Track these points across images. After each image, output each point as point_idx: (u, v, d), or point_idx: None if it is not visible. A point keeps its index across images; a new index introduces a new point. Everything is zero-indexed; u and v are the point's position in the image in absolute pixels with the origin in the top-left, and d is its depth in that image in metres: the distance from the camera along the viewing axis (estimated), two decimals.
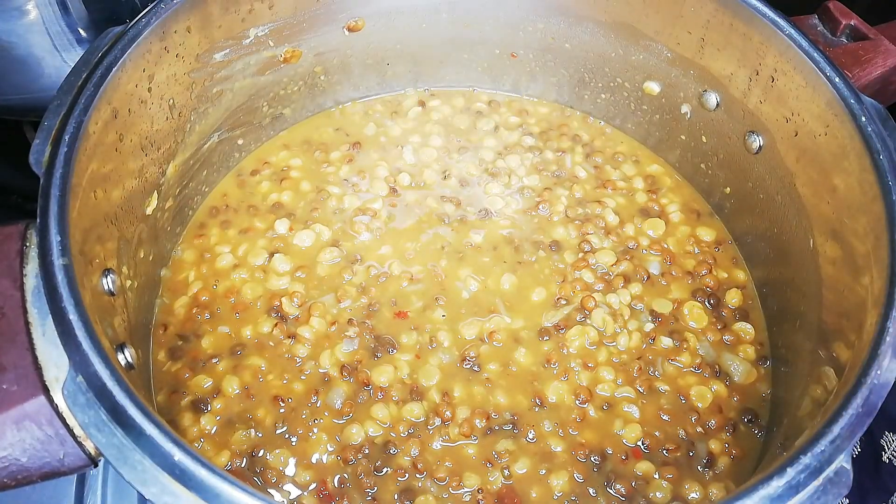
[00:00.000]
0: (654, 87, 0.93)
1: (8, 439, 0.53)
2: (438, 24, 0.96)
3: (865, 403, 0.55)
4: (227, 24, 0.80)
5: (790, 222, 0.80)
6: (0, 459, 0.53)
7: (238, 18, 0.80)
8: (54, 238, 0.56)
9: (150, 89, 0.73)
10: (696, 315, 0.83)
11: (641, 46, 0.90)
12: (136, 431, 0.50)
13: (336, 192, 0.92)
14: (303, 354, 0.79)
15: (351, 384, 0.77)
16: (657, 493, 0.72)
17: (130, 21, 0.70)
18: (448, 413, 0.75)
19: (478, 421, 0.75)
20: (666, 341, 0.81)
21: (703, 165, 0.93)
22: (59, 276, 0.55)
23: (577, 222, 0.90)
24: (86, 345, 0.53)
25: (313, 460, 0.73)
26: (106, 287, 0.65)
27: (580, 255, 0.87)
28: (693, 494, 0.72)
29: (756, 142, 0.83)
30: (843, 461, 0.53)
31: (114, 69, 0.66)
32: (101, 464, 0.55)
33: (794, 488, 0.52)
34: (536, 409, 0.77)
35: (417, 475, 0.72)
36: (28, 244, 0.59)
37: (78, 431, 0.53)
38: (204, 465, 0.49)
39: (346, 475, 0.72)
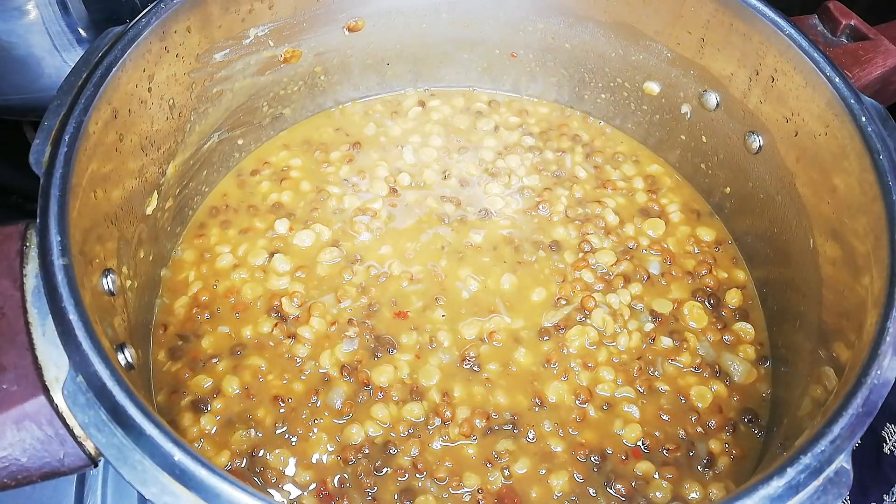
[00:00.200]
0: (654, 87, 0.93)
1: (8, 439, 0.53)
2: (438, 24, 0.96)
3: (865, 403, 0.55)
4: (227, 24, 0.80)
5: (790, 222, 0.80)
6: (0, 459, 0.53)
7: (238, 18, 0.80)
8: (54, 238, 0.56)
9: (150, 89, 0.73)
10: (696, 315, 0.83)
11: (641, 46, 0.90)
12: (136, 431, 0.50)
13: (336, 192, 0.92)
14: (303, 354, 0.79)
15: (351, 384, 0.77)
16: (657, 493, 0.72)
17: (130, 21, 0.70)
18: (448, 413, 0.75)
19: (478, 421, 0.75)
20: (666, 341, 0.81)
21: (703, 165, 0.93)
22: (59, 276, 0.55)
23: (577, 222, 0.90)
24: (86, 345, 0.53)
25: (313, 460, 0.73)
26: (106, 287, 0.65)
27: (580, 255, 0.87)
28: (693, 494, 0.72)
29: (756, 142, 0.83)
30: (843, 461, 0.53)
31: (114, 69, 0.66)
32: (101, 464, 0.55)
33: (794, 488, 0.52)
34: (536, 409, 0.77)
35: (417, 475, 0.72)
36: (28, 244, 0.59)
37: (78, 431, 0.53)
38: (204, 465, 0.49)
39: (346, 475, 0.72)
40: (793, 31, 0.74)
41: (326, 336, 0.80)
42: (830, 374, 0.66)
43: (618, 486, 0.72)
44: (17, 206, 1.05)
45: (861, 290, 0.65)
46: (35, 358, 0.54)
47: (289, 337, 0.80)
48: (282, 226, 0.88)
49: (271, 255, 0.86)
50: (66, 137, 0.61)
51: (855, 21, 0.86)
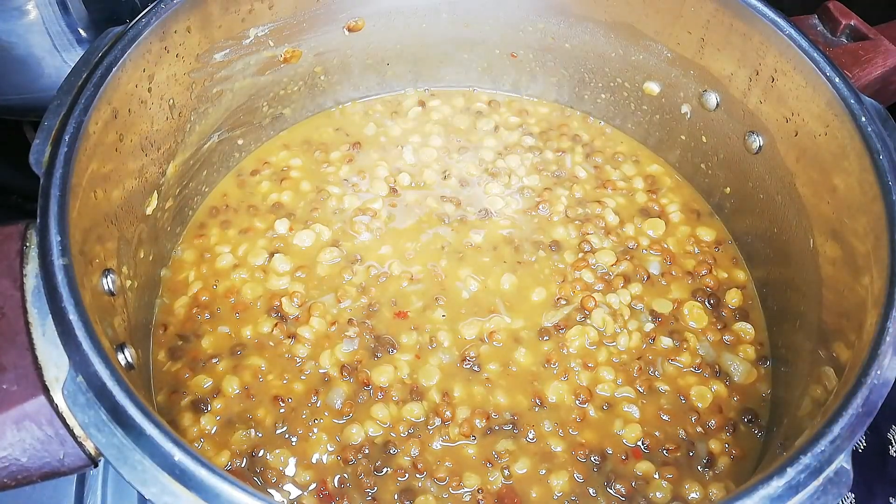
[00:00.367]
0: (654, 88, 0.93)
1: (8, 439, 0.53)
2: (438, 24, 0.96)
3: (865, 403, 0.55)
4: (227, 24, 0.80)
5: (790, 222, 0.80)
6: (0, 459, 0.53)
7: (238, 18, 0.80)
8: (54, 238, 0.56)
9: (150, 89, 0.73)
10: (696, 315, 0.83)
11: (641, 46, 0.90)
12: (136, 431, 0.50)
13: (336, 192, 0.92)
14: (303, 354, 0.79)
15: (351, 384, 0.77)
16: (657, 493, 0.72)
17: (130, 21, 0.70)
18: (448, 413, 0.75)
19: (478, 421, 0.75)
20: (666, 341, 0.81)
21: (703, 165, 0.93)
22: (59, 276, 0.55)
23: (577, 222, 0.90)
24: (86, 345, 0.53)
25: (313, 460, 0.73)
26: (106, 287, 0.65)
27: (580, 255, 0.87)
28: (693, 494, 0.72)
29: (756, 142, 0.83)
30: (843, 461, 0.53)
31: (114, 69, 0.66)
32: (101, 464, 0.55)
33: (794, 488, 0.52)
34: (536, 409, 0.77)
35: (417, 475, 0.72)
36: (28, 244, 0.59)
37: (78, 431, 0.53)
38: (204, 465, 0.49)
39: (346, 475, 0.72)
40: (793, 31, 0.74)
41: (326, 336, 0.80)
42: (830, 374, 0.66)
43: (618, 486, 0.72)
44: (17, 206, 1.05)
45: (861, 290, 0.65)
46: (35, 358, 0.54)
47: (289, 337, 0.80)
48: (282, 226, 0.88)
49: (271, 255, 0.86)
50: (66, 137, 0.61)
51: (855, 21, 0.86)
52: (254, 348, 0.79)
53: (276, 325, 0.80)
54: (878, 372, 0.56)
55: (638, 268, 0.87)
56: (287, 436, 0.74)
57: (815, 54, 0.73)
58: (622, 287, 0.85)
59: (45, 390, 0.53)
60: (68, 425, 0.53)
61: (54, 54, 0.89)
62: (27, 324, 0.55)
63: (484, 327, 0.82)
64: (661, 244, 0.89)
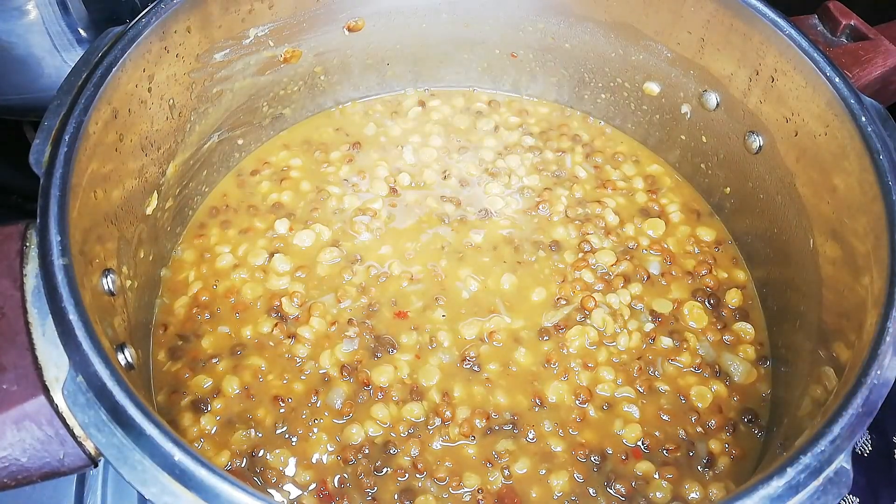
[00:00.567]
0: (654, 88, 0.93)
1: (8, 439, 0.53)
2: (438, 24, 0.96)
3: (865, 403, 0.55)
4: (227, 24, 0.80)
5: (790, 222, 0.80)
6: (0, 459, 0.53)
7: (238, 18, 0.80)
8: (54, 238, 0.56)
9: (150, 89, 0.73)
10: (696, 315, 0.83)
11: (641, 46, 0.90)
12: (136, 431, 0.50)
13: (336, 192, 0.92)
14: (303, 354, 0.79)
15: (351, 384, 0.77)
16: (657, 493, 0.72)
17: (130, 21, 0.70)
18: (448, 413, 0.75)
19: (478, 421, 0.75)
20: (666, 341, 0.81)
21: (703, 165, 0.93)
22: (59, 276, 0.55)
23: (577, 222, 0.90)
24: (86, 345, 0.53)
25: (313, 460, 0.73)
26: (106, 287, 0.65)
27: (580, 255, 0.87)
28: (693, 494, 0.72)
29: (756, 142, 0.83)
30: (843, 461, 0.53)
31: (114, 69, 0.66)
32: (101, 464, 0.55)
33: (794, 488, 0.52)
34: (536, 409, 0.77)
35: (417, 475, 0.72)
36: (28, 244, 0.59)
37: (78, 431, 0.53)
38: (204, 465, 0.49)
39: (346, 475, 0.72)
40: (793, 31, 0.74)
41: (326, 336, 0.80)
42: (830, 374, 0.66)
43: (618, 486, 0.72)
44: (17, 206, 1.05)
45: (861, 290, 0.65)
46: (35, 358, 0.54)
47: (289, 337, 0.80)
48: (282, 226, 0.88)
49: (271, 255, 0.86)
50: (66, 137, 0.61)
51: (855, 21, 0.86)
52: (254, 348, 0.79)
53: (276, 325, 0.80)
54: (878, 372, 0.56)
55: (638, 268, 0.87)
56: (287, 436, 0.74)
57: (815, 54, 0.73)
58: (622, 287, 0.85)
59: (45, 390, 0.53)
60: (68, 425, 0.53)
61: (54, 54, 0.89)
62: (27, 324, 0.55)
63: (484, 327, 0.82)
64: (661, 244, 0.89)
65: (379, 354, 0.79)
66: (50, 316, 0.55)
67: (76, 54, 0.89)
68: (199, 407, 0.75)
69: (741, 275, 0.88)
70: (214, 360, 0.78)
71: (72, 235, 0.57)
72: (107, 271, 0.66)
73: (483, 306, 0.83)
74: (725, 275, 0.88)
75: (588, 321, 0.82)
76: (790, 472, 0.52)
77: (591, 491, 0.72)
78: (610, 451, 0.74)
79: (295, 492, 0.71)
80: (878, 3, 0.99)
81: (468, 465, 0.73)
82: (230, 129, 0.90)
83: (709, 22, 0.82)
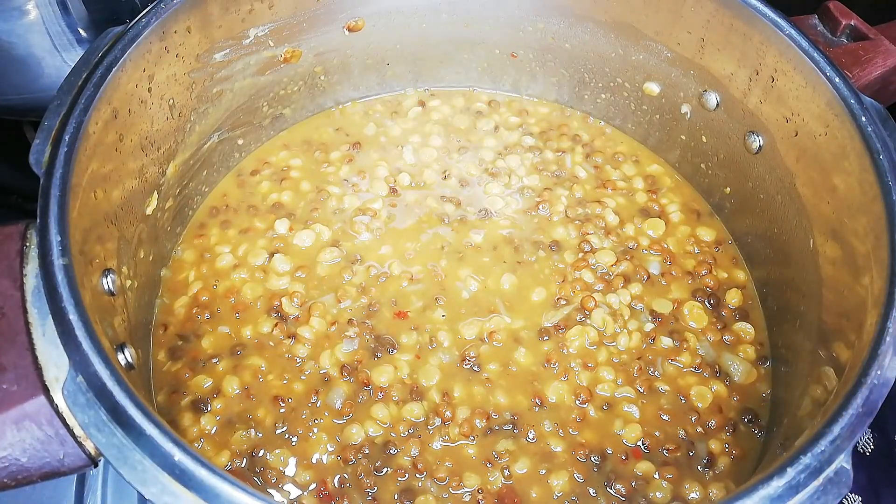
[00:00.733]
0: (654, 88, 0.93)
1: (8, 439, 0.53)
2: (438, 24, 0.96)
3: (865, 403, 0.55)
4: (227, 24, 0.80)
5: (790, 222, 0.80)
6: (0, 459, 0.53)
7: (238, 18, 0.80)
8: (54, 238, 0.56)
9: (150, 89, 0.73)
10: (696, 315, 0.83)
11: (641, 46, 0.90)
12: (136, 431, 0.50)
13: (336, 192, 0.92)
14: (303, 354, 0.79)
15: (351, 384, 0.77)
16: (657, 493, 0.72)
17: (130, 21, 0.70)
18: (448, 413, 0.75)
19: (478, 421, 0.75)
20: (666, 341, 0.81)
21: (703, 165, 0.93)
22: (59, 276, 0.55)
23: (577, 222, 0.90)
24: (86, 345, 0.53)
25: (313, 460, 0.73)
26: (106, 287, 0.65)
27: (580, 255, 0.87)
28: (693, 494, 0.72)
29: (756, 142, 0.83)
30: (843, 461, 0.53)
31: (114, 69, 0.66)
32: (101, 464, 0.55)
33: (794, 488, 0.52)
34: (536, 409, 0.77)
35: (417, 475, 0.72)
36: (28, 244, 0.59)
37: (78, 431, 0.53)
38: (204, 465, 0.49)
39: (346, 475, 0.72)
40: (793, 31, 0.74)
41: (326, 336, 0.80)
42: (830, 374, 0.66)
43: (618, 486, 0.72)
44: (17, 206, 1.05)
45: (861, 290, 0.65)
46: (35, 358, 0.54)
47: (289, 337, 0.80)
48: (282, 226, 0.88)
49: (271, 255, 0.86)
50: (66, 137, 0.61)
51: (855, 21, 0.86)
52: (254, 348, 0.79)
53: (276, 325, 0.80)
54: (878, 372, 0.56)
55: (638, 268, 0.87)
56: (287, 436, 0.74)
57: (815, 54, 0.73)
58: (622, 287, 0.85)
59: (45, 390, 0.53)
60: (68, 425, 0.53)
61: (54, 54, 0.89)
62: (27, 324, 0.55)
63: (484, 327, 0.82)
64: (661, 244, 0.89)
65: (379, 354, 0.79)
66: (50, 316, 0.55)
67: (76, 54, 0.89)
68: (199, 407, 0.75)
69: (741, 275, 0.88)
70: (214, 360, 0.78)
71: (72, 235, 0.57)
72: (107, 271, 0.66)
73: (483, 306, 0.83)
74: (725, 275, 0.88)
75: (588, 321, 0.82)
76: (790, 472, 0.52)
77: (591, 491, 0.72)
78: (610, 451, 0.74)
79: (295, 492, 0.71)
80: (878, 3, 0.99)
81: (468, 465, 0.73)
82: (230, 129, 0.90)
83: (709, 22, 0.82)
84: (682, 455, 0.74)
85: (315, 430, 0.74)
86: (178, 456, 0.50)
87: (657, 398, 0.78)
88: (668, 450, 0.74)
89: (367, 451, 0.73)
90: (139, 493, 0.51)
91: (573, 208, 0.92)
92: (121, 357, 0.64)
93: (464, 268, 0.86)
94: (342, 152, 0.96)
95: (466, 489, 0.71)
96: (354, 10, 0.91)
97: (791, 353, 0.78)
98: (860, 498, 0.77)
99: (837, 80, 0.70)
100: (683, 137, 0.94)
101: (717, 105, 0.87)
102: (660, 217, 0.92)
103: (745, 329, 0.83)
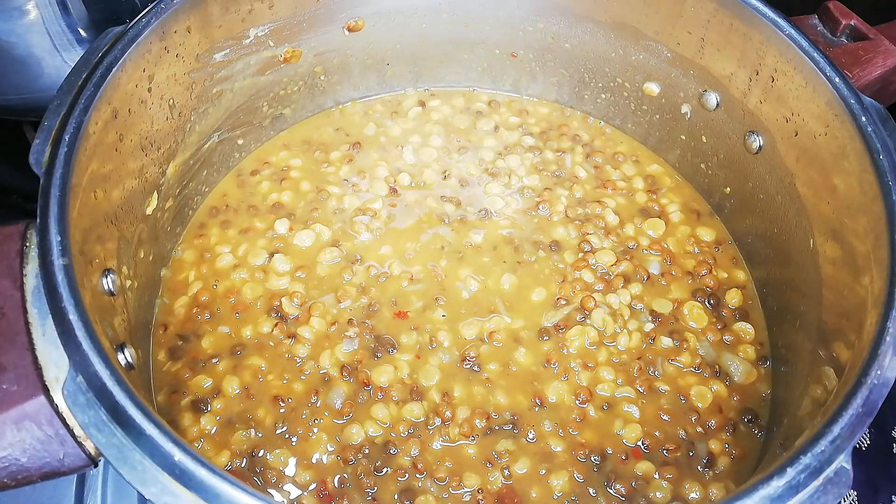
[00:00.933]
0: (654, 88, 0.93)
1: (8, 439, 0.53)
2: (438, 24, 0.96)
3: (865, 403, 0.55)
4: (227, 24, 0.80)
5: (790, 222, 0.80)
6: (0, 459, 0.53)
7: (238, 18, 0.80)
8: (54, 238, 0.56)
9: (150, 89, 0.73)
10: (696, 315, 0.83)
11: (641, 46, 0.90)
12: (136, 431, 0.50)
13: (336, 192, 0.92)
14: (303, 354, 0.79)
15: (351, 384, 0.77)
16: (657, 493, 0.72)
17: (130, 21, 0.70)
18: (448, 413, 0.75)
19: (478, 421, 0.75)
20: (666, 341, 0.81)
21: (703, 165, 0.93)
22: (59, 276, 0.55)
23: (577, 222, 0.90)
24: (86, 345, 0.53)
25: (313, 460, 0.73)
26: (106, 287, 0.65)
27: (580, 255, 0.87)
28: (693, 494, 0.72)
29: (756, 142, 0.83)
30: (843, 461, 0.53)
31: (114, 69, 0.66)
32: (101, 464, 0.55)
33: (794, 488, 0.52)
34: (536, 409, 0.77)
35: (417, 475, 0.72)
36: (28, 244, 0.59)
37: (78, 431, 0.53)
38: (204, 465, 0.49)
39: (346, 475, 0.72)
40: (793, 31, 0.74)
41: (326, 336, 0.80)
42: (830, 374, 0.66)
43: (618, 486, 0.72)
44: (17, 206, 1.05)
45: (861, 290, 0.65)
46: (35, 358, 0.54)
47: (289, 337, 0.80)
48: (282, 226, 0.88)
49: (271, 255, 0.86)
50: (66, 137, 0.61)
51: (855, 21, 0.86)
52: (254, 348, 0.79)
53: (276, 325, 0.80)
54: (878, 372, 0.56)
55: (638, 268, 0.87)
56: (287, 436, 0.74)
57: (815, 54, 0.73)
58: (622, 287, 0.85)
59: (45, 390, 0.53)
60: (68, 425, 0.53)
61: (54, 54, 0.89)
62: (27, 324, 0.55)
63: (484, 327, 0.82)
64: (661, 244, 0.89)
65: (379, 354, 0.79)
66: (50, 316, 0.55)
67: (76, 54, 0.89)
68: (199, 407, 0.75)
69: (741, 275, 0.88)
70: (214, 360, 0.78)
71: (72, 235, 0.57)
72: (107, 271, 0.66)
73: (483, 306, 0.83)
74: (725, 275, 0.88)
75: (588, 321, 0.82)
76: (790, 472, 0.52)
77: (591, 491, 0.72)
78: (610, 451, 0.74)
79: (295, 492, 0.71)
80: (878, 3, 0.99)
81: (468, 465, 0.73)
82: (230, 129, 0.90)
83: (709, 22, 0.82)
84: (682, 455, 0.74)
85: (315, 430, 0.74)
86: (178, 456, 0.50)
87: (657, 398, 0.78)
88: (668, 450, 0.74)
89: (367, 451, 0.73)
90: (139, 493, 0.51)
91: (573, 208, 0.92)
92: (121, 357, 0.64)
93: (464, 268, 0.86)
94: (342, 152, 0.96)
95: (466, 489, 0.71)
96: (354, 10, 0.91)
97: (791, 353, 0.78)
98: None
99: (837, 80, 0.70)
100: (683, 137, 0.94)
101: (717, 105, 0.87)
102: (660, 217, 0.92)
103: (745, 329, 0.83)
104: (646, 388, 0.78)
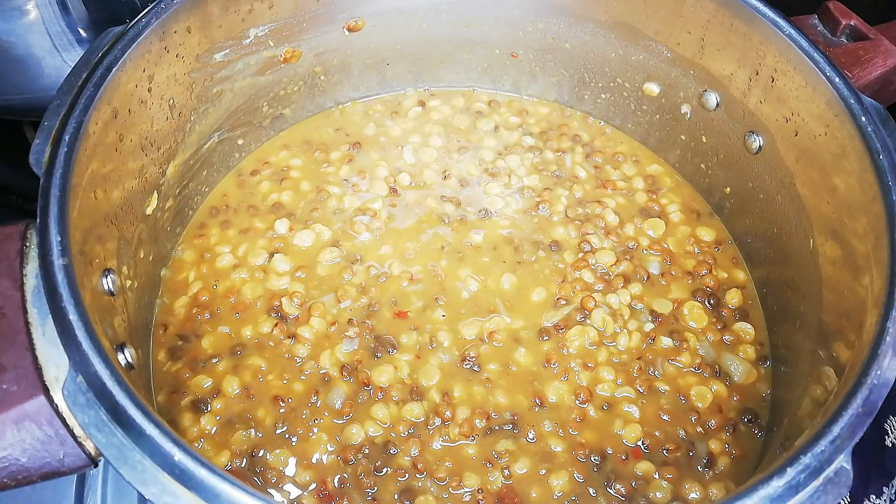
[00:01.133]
0: (654, 88, 0.93)
1: (8, 439, 0.53)
2: (438, 24, 0.96)
3: (865, 403, 0.55)
4: (227, 24, 0.80)
5: (790, 222, 0.80)
6: (0, 459, 0.53)
7: (238, 18, 0.80)
8: (54, 238, 0.56)
9: (150, 89, 0.73)
10: (696, 315, 0.83)
11: (641, 46, 0.90)
12: (136, 431, 0.50)
13: (336, 192, 0.92)
14: (303, 354, 0.79)
15: (351, 384, 0.77)
16: (657, 493, 0.72)
17: (130, 21, 0.70)
18: (448, 413, 0.75)
19: (478, 421, 0.75)
20: (666, 341, 0.81)
21: (703, 165, 0.93)
22: (59, 276, 0.55)
23: (577, 222, 0.90)
24: (86, 345, 0.53)
25: (313, 460, 0.73)
26: (106, 287, 0.65)
27: (580, 255, 0.87)
28: (693, 494, 0.72)
29: (756, 142, 0.83)
30: (843, 461, 0.53)
31: (114, 69, 0.66)
32: (101, 464, 0.55)
33: (794, 488, 0.52)
34: (536, 409, 0.77)
35: (417, 475, 0.72)
36: (28, 244, 0.59)
37: (78, 431, 0.53)
38: (204, 465, 0.49)
39: (346, 475, 0.72)
40: (793, 31, 0.74)
41: (326, 336, 0.80)
42: (830, 374, 0.66)
43: (618, 486, 0.72)
44: (17, 206, 1.05)
45: (861, 290, 0.65)
46: (35, 358, 0.54)
47: (289, 337, 0.80)
48: (282, 226, 0.88)
49: (271, 255, 0.86)
50: (66, 137, 0.61)
51: (855, 21, 0.86)
52: (254, 348, 0.79)
53: (276, 325, 0.80)
54: (878, 372, 0.56)
55: (638, 268, 0.87)
56: (287, 436, 0.74)
57: (815, 54, 0.73)
58: (622, 287, 0.85)
59: (45, 390, 0.53)
60: (68, 425, 0.53)
61: (54, 54, 0.89)
62: (27, 324, 0.55)
63: (484, 327, 0.82)
64: (661, 244, 0.89)
65: (379, 354, 0.79)
66: (50, 316, 0.55)
67: (76, 54, 0.89)
68: (199, 407, 0.75)
69: (741, 275, 0.88)
70: (214, 360, 0.78)
71: (72, 235, 0.57)
72: (107, 271, 0.66)
73: (483, 306, 0.83)
74: (725, 275, 0.88)
75: (588, 321, 0.82)
76: (790, 472, 0.52)
77: (591, 491, 0.72)
78: (610, 451, 0.74)
79: (295, 492, 0.71)
80: (878, 3, 0.99)
81: (468, 465, 0.73)
82: (230, 129, 0.90)
83: (709, 22, 0.82)
84: (682, 455, 0.74)
85: (315, 430, 0.74)
86: (178, 456, 0.50)
87: (657, 398, 0.78)
88: (668, 450, 0.74)
89: (367, 451, 0.73)
90: (139, 493, 0.51)
91: (573, 208, 0.92)
92: (121, 357, 0.64)
93: (464, 268, 0.86)
94: (342, 152, 0.96)
95: (466, 489, 0.71)
96: (354, 10, 0.91)
97: (791, 353, 0.78)
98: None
99: (837, 80, 0.71)
100: (683, 137, 0.94)
101: (717, 105, 0.87)
102: (660, 217, 0.92)
103: (745, 329, 0.83)
104: (646, 388, 0.78)
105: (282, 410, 0.75)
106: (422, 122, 1.00)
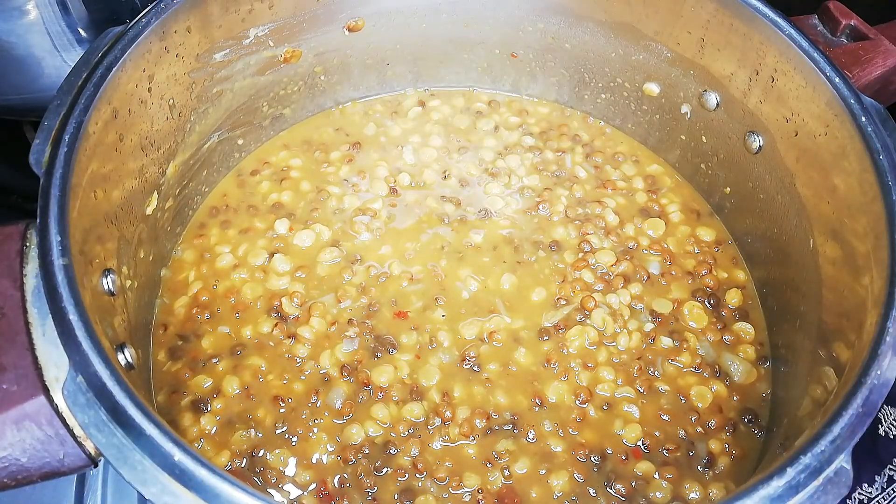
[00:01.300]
0: (653, 88, 0.93)
1: (8, 439, 0.53)
2: (438, 24, 0.96)
3: (865, 403, 0.55)
4: (227, 24, 0.80)
5: (790, 222, 0.80)
6: (0, 459, 0.53)
7: (238, 18, 0.80)
8: (54, 238, 0.56)
9: (150, 89, 0.73)
10: (696, 315, 0.83)
11: (641, 46, 0.90)
12: (136, 431, 0.50)
13: (336, 192, 0.92)
14: (303, 354, 0.79)
15: (351, 384, 0.77)
16: (657, 493, 0.72)
17: (130, 21, 0.70)
18: (448, 413, 0.75)
19: (478, 421, 0.75)
20: (666, 341, 0.81)
21: (703, 165, 0.93)
22: (59, 276, 0.55)
23: (577, 222, 0.90)
24: (86, 345, 0.53)
25: (313, 460, 0.73)
26: (106, 287, 0.65)
27: (580, 255, 0.87)
28: (693, 494, 0.72)
29: (756, 142, 0.83)
30: (843, 461, 0.53)
31: (114, 69, 0.66)
32: (101, 464, 0.55)
33: (794, 488, 0.52)
34: (536, 409, 0.77)
35: (417, 475, 0.72)
36: (28, 244, 0.59)
37: (78, 431, 0.53)
38: (204, 465, 0.49)
39: (346, 475, 0.72)
40: (793, 31, 0.74)
41: (326, 336, 0.80)
42: (830, 374, 0.66)
43: (618, 486, 0.72)
44: (17, 206, 1.05)
45: (861, 290, 0.65)
46: (35, 358, 0.54)
47: (289, 337, 0.80)
48: (282, 226, 0.88)
49: (271, 255, 0.86)
50: (66, 137, 0.61)
51: (855, 21, 0.86)
52: (254, 348, 0.79)
53: (276, 325, 0.80)
54: (878, 372, 0.56)
55: (638, 268, 0.87)
56: (287, 436, 0.74)
57: (815, 54, 0.73)
58: (622, 287, 0.85)
59: (45, 390, 0.53)
60: (68, 425, 0.53)
61: (54, 54, 0.89)
62: (27, 324, 0.55)
63: (484, 327, 0.82)
64: (661, 244, 0.89)
65: (379, 354, 0.79)
66: (50, 316, 0.55)
67: (76, 54, 0.89)
68: (199, 407, 0.75)
69: (741, 275, 0.88)
70: (214, 360, 0.78)
71: (72, 235, 0.57)
72: (107, 271, 0.66)
73: (483, 306, 0.83)
74: (725, 275, 0.88)
75: (588, 321, 0.82)
76: (790, 472, 0.52)
77: (591, 491, 0.72)
78: (610, 451, 0.74)
79: (295, 492, 0.71)
80: (878, 3, 0.99)
81: (468, 465, 0.73)
82: (230, 129, 0.90)
83: (709, 22, 0.82)
84: (682, 455, 0.74)
85: (315, 430, 0.74)
86: (178, 456, 0.50)
87: (657, 398, 0.78)
88: (668, 450, 0.74)
89: (367, 451, 0.73)
90: (139, 493, 0.51)
91: (573, 208, 0.92)
92: (121, 357, 0.64)
93: (464, 268, 0.86)
94: (342, 152, 0.96)
95: (466, 489, 0.71)
96: (354, 10, 0.91)
97: (791, 353, 0.78)
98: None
99: (837, 80, 0.71)
100: (683, 137, 0.94)
101: (717, 105, 0.87)
102: (660, 217, 0.92)
103: (745, 329, 0.83)
104: (646, 388, 0.78)
105: (282, 410, 0.75)
106: (422, 122, 1.00)
